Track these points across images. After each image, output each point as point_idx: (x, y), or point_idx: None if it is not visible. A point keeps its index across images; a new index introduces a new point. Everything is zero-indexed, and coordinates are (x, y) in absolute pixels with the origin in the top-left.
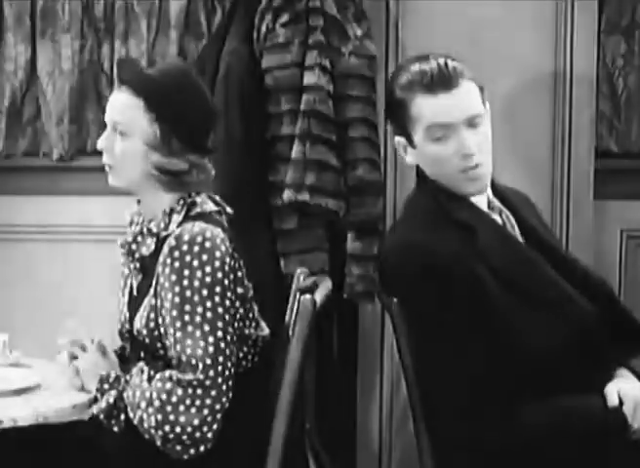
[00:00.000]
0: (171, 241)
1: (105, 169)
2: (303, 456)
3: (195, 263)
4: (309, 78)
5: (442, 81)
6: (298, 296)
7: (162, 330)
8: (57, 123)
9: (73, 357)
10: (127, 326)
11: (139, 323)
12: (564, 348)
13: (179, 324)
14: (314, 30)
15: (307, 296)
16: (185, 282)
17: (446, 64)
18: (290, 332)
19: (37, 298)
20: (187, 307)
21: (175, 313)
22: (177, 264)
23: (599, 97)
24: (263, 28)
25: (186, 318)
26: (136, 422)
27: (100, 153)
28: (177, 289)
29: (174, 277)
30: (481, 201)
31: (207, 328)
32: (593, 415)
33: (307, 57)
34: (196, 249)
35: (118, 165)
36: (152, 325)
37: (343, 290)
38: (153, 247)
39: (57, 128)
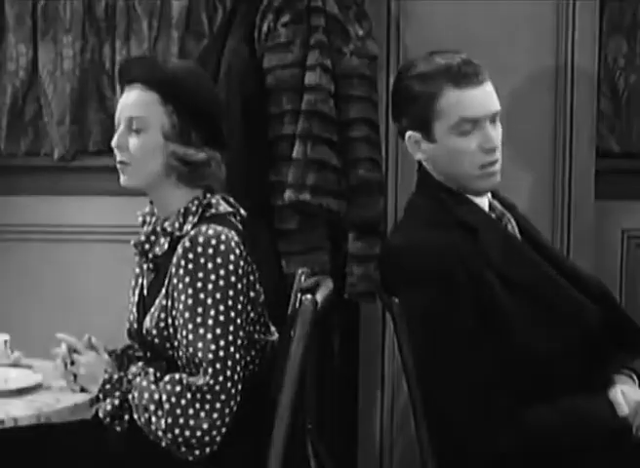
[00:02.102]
0: (185, 242)
1: (118, 168)
2: (305, 456)
3: (209, 266)
4: (311, 78)
5: (471, 76)
6: (299, 296)
7: (171, 330)
8: (58, 123)
9: (71, 363)
10: (135, 325)
11: (148, 322)
12: (567, 349)
13: (190, 326)
14: (316, 30)
15: (308, 296)
16: (199, 284)
17: (470, 60)
18: (291, 333)
19: (37, 298)
20: (200, 309)
21: (187, 315)
22: (190, 266)
23: (600, 96)
24: (265, 28)
25: (198, 320)
26: (141, 424)
27: (100, 153)
28: (190, 290)
29: (187, 279)
30: (483, 203)
31: (218, 331)
32: (600, 419)
33: (309, 56)
34: (210, 251)
35: (136, 161)
36: (162, 325)
37: (344, 290)
38: (167, 246)
39: (58, 128)
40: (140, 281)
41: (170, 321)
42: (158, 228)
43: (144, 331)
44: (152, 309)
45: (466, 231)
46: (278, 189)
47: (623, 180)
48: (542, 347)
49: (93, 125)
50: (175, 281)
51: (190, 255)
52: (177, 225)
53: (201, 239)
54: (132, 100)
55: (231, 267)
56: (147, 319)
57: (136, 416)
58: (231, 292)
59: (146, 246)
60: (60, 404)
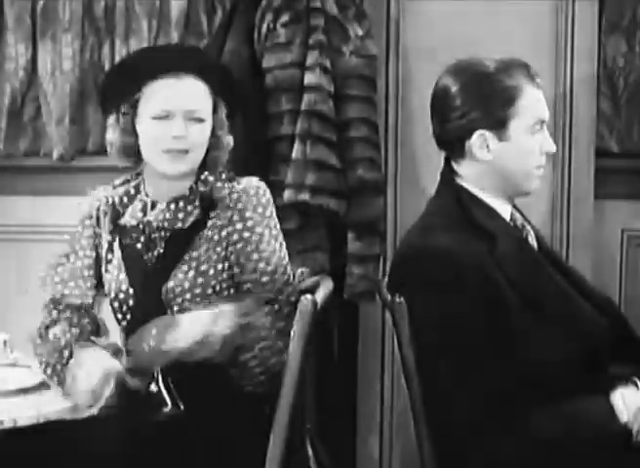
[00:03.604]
0: (249, 190)
1: (173, 156)
2: (304, 456)
3: (270, 202)
4: (310, 78)
5: (538, 78)
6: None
7: (242, 260)
8: (57, 123)
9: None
10: (140, 293)
11: (179, 282)
12: (573, 361)
13: (269, 245)
14: (315, 30)
15: (308, 296)
16: (268, 213)
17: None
18: (290, 332)
19: (37, 298)
20: (275, 231)
21: (266, 236)
22: (263, 200)
23: (599, 96)
24: (264, 28)
25: (273, 233)
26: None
27: (100, 153)
28: (265, 221)
29: (261, 209)
30: (505, 211)
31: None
32: (600, 424)
33: (308, 56)
34: (266, 192)
35: (196, 148)
36: (218, 275)
37: (344, 290)
38: (199, 212)
39: (57, 128)
40: (142, 255)
41: (243, 258)
42: (189, 205)
43: (169, 293)
44: (185, 268)
45: (484, 237)
46: (277, 189)
47: (623, 180)
48: (548, 357)
49: (92, 125)
50: (249, 218)
51: (258, 196)
52: (215, 194)
53: (255, 183)
54: (189, 91)
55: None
56: (179, 278)
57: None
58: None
59: (165, 223)
60: (59, 404)
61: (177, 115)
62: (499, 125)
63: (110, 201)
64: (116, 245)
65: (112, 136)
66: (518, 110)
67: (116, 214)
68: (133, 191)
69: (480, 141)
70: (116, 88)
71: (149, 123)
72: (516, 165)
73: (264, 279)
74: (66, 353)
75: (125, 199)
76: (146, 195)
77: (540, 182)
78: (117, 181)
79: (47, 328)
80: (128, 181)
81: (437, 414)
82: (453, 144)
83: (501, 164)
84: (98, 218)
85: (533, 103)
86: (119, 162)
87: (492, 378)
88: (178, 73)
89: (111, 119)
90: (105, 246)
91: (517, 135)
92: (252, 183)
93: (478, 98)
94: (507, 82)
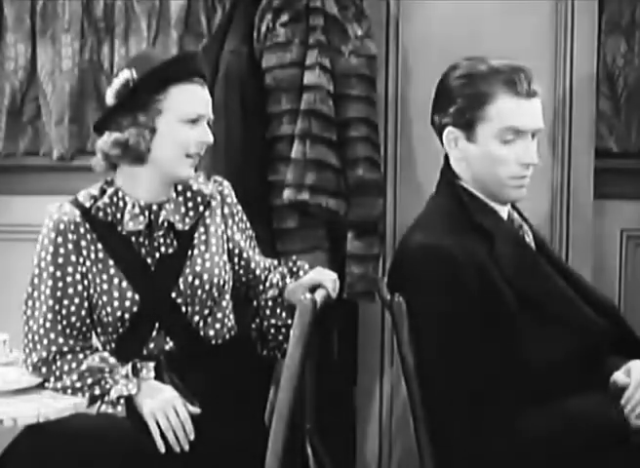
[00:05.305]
0: (226, 184)
1: (195, 161)
2: (303, 456)
3: None
4: (310, 77)
5: (528, 87)
6: None
7: (245, 255)
8: (57, 122)
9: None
10: (151, 294)
11: (191, 283)
12: (570, 361)
13: (254, 243)
14: (314, 30)
15: (307, 296)
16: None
17: (527, 70)
18: (290, 332)
19: None
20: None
21: (252, 235)
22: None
23: (599, 96)
24: (263, 28)
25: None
26: None
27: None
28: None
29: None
30: (502, 211)
31: None
32: (594, 421)
33: (308, 56)
34: None
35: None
36: (225, 267)
37: (344, 289)
38: (201, 209)
39: (57, 127)
40: (144, 260)
41: (246, 253)
42: (188, 203)
43: (180, 294)
44: (192, 268)
45: (483, 237)
46: (277, 189)
47: (622, 180)
48: (546, 356)
49: (91, 124)
50: (238, 216)
51: (233, 193)
52: (202, 191)
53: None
54: (209, 97)
55: None
56: (188, 278)
57: None
58: None
59: (165, 225)
60: (58, 403)
61: (204, 120)
62: (467, 125)
63: (94, 211)
64: (108, 254)
65: (122, 136)
66: (486, 115)
67: (106, 223)
68: (115, 198)
69: (450, 139)
70: (145, 87)
71: (176, 125)
72: (485, 170)
73: (275, 261)
74: (121, 370)
75: (111, 208)
76: (137, 199)
77: (523, 192)
78: (82, 195)
79: (63, 354)
80: (104, 191)
81: (436, 414)
82: (438, 137)
83: (473, 166)
84: (78, 231)
85: (502, 111)
86: (104, 169)
87: (489, 377)
88: (201, 79)
89: (126, 121)
90: (93, 257)
91: (485, 139)
92: (219, 179)
93: (457, 96)
94: (483, 86)
